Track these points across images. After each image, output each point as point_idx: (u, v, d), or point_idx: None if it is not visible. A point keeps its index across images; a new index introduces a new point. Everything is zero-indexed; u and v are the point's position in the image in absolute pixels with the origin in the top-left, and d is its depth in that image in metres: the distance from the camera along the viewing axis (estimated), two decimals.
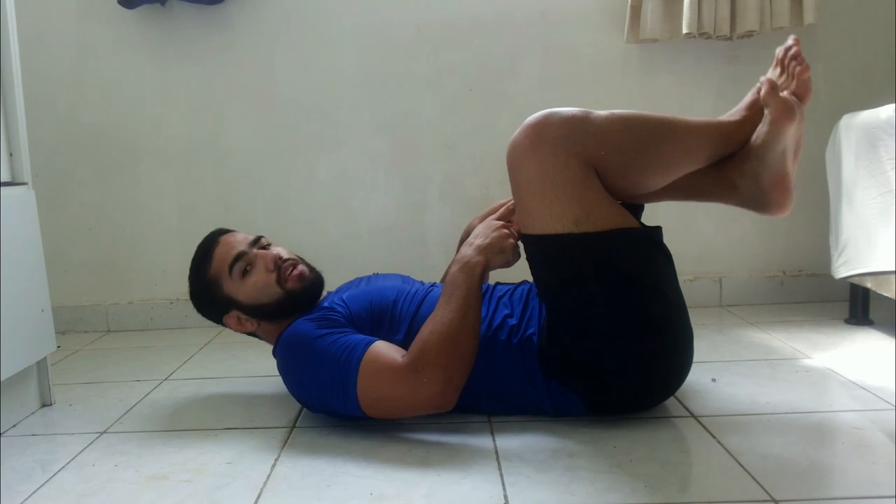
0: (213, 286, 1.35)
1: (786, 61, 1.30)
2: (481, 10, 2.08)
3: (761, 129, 1.24)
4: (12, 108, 1.39)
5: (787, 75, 1.30)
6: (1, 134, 1.37)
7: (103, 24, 2.09)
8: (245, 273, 1.33)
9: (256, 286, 1.32)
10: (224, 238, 1.37)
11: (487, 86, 2.11)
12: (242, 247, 1.34)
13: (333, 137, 2.14)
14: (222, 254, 1.34)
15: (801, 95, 1.27)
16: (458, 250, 1.33)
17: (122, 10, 2.06)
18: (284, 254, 1.36)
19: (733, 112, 1.30)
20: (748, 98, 1.30)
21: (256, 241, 1.37)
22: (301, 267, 1.36)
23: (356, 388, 1.17)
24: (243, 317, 1.35)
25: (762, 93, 1.24)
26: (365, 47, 2.11)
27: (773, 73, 1.33)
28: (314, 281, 1.37)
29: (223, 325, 1.39)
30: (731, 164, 1.29)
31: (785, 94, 1.24)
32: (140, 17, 2.09)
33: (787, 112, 1.22)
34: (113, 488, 1.08)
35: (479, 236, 1.29)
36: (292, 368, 1.28)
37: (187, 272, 1.40)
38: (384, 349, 1.19)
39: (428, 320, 1.21)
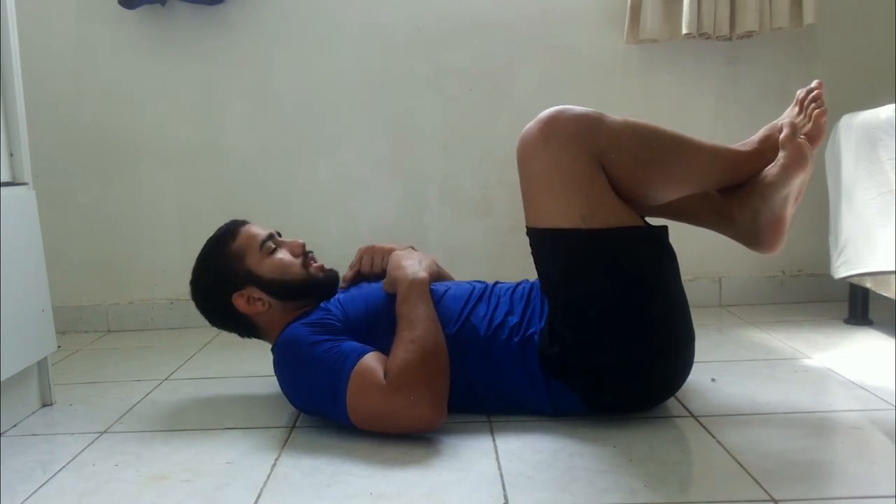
0: (233, 259, 1.35)
1: (805, 102, 1.31)
2: (481, 11, 2.08)
3: (771, 170, 1.25)
4: (13, 109, 1.39)
5: (805, 116, 1.31)
6: (1, 134, 1.37)
7: (103, 25, 2.10)
8: (272, 252, 1.36)
9: (283, 263, 1.36)
10: (248, 224, 1.41)
11: (487, 86, 2.11)
12: (269, 230, 1.40)
13: (333, 137, 2.14)
14: (250, 232, 1.38)
15: (813, 138, 1.28)
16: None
17: (122, 10, 2.06)
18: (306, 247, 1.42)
19: (745, 143, 1.31)
20: (762, 132, 1.31)
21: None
22: (320, 263, 1.42)
23: (346, 402, 1.17)
24: (256, 295, 1.34)
25: (782, 136, 1.25)
26: (365, 47, 2.11)
27: (790, 111, 1.34)
28: (332, 276, 1.42)
29: (227, 308, 1.36)
30: (733, 197, 1.30)
31: (801, 138, 1.25)
32: (140, 17, 2.09)
33: (800, 160, 1.23)
34: (113, 488, 1.08)
35: (405, 259, 1.36)
36: (287, 374, 1.29)
37: (188, 272, 1.41)
38: (374, 364, 1.19)
39: (398, 341, 1.21)
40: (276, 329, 1.35)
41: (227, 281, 1.35)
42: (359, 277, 1.46)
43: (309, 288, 1.37)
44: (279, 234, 1.42)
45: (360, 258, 1.47)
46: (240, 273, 1.35)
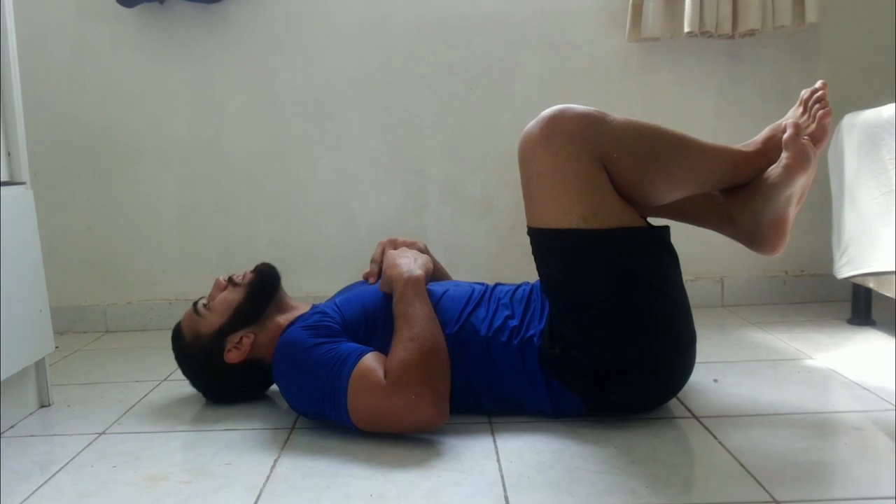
0: (196, 342, 1.39)
1: (810, 103, 1.30)
2: (482, 9, 2.08)
3: (774, 171, 1.24)
4: (11, 108, 1.39)
5: (809, 116, 1.30)
6: None
7: (102, 24, 2.09)
8: (207, 306, 1.40)
9: (221, 300, 1.40)
10: (181, 318, 1.45)
11: (488, 85, 2.10)
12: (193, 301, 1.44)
13: (333, 137, 2.13)
14: (186, 316, 1.43)
15: (817, 139, 1.27)
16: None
17: (121, 9, 2.05)
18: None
19: (748, 143, 1.30)
20: (766, 132, 1.30)
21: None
22: (241, 273, 1.44)
23: (347, 403, 1.16)
24: (236, 337, 1.36)
25: (785, 136, 1.24)
26: (365, 46, 2.10)
27: (794, 112, 1.33)
28: (261, 266, 1.44)
29: (232, 372, 1.37)
30: (735, 198, 1.29)
31: (804, 139, 1.24)
32: (139, 16, 2.08)
33: (803, 161, 1.22)
34: (112, 489, 1.08)
35: (400, 258, 1.37)
36: (286, 377, 1.28)
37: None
38: (374, 364, 1.18)
39: (397, 340, 1.20)
40: (273, 345, 1.34)
41: (210, 357, 1.37)
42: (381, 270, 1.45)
43: (256, 293, 1.39)
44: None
45: (381, 251, 1.47)
46: (209, 343, 1.37)
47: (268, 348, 1.35)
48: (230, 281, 1.42)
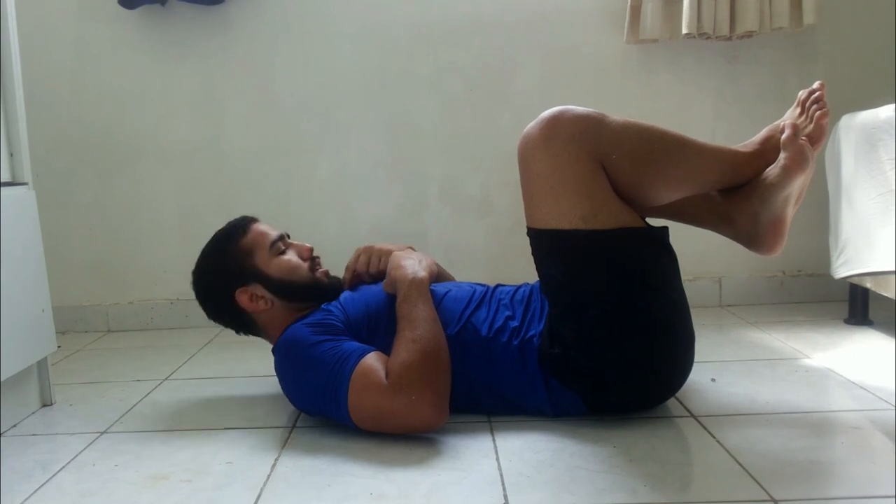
0: (242, 255, 1.35)
1: (807, 104, 1.31)
2: (481, 10, 2.08)
3: (772, 171, 1.25)
4: (13, 108, 1.39)
5: (806, 117, 1.30)
6: (1, 134, 1.37)
7: (104, 25, 2.10)
8: (281, 253, 1.37)
9: (290, 264, 1.37)
10: (258, 221, 1.42)
11: (487, 86, 2.11)
12: (280, 231, 1.41)
13: (333, 137, 2.14)
14: (261, 230, 1.39)
15: (815, 139, 1.28)
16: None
17: (122, 10, 2.06)
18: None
19: (747, 144, 1.31)
20: (764, 132, 1.31)
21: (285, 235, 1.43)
22: (325, 269, 1.43)
23: (347, 402, 1.17)
24: (260, 293, 1.35)
25: (783, 137, 1.25)
26: (365, 47, 2.11)
27: (792, 113, 1.34)
28: (336, 283, 1.43)
29: (229, 303, 1.36)
30: (734, 198, 1.30)
31: (802, 140, 1.24)
32: (140, 17, 2.09)
33: (801, 161, 1.23)
34: (113, 488, 1.08)
35: (405, 259, 1.37)
36: (288, 374, 1.29)
37: (188, 272, 1.41)
38: (376, 364, 1.18)
39: (399, 341, 1.21)
40: (276, 329, 1.35)
41: (233, 276, 1.35)
42: (357, 279, 1.46)
43: (313, 292, 1.37)
44: (288, 236, 1.43)
45: (357, 258, 1.47)
46: (247, 270, 1.35)
47: (269, 321, 1.37)
48: (313, 261, 1.40)
